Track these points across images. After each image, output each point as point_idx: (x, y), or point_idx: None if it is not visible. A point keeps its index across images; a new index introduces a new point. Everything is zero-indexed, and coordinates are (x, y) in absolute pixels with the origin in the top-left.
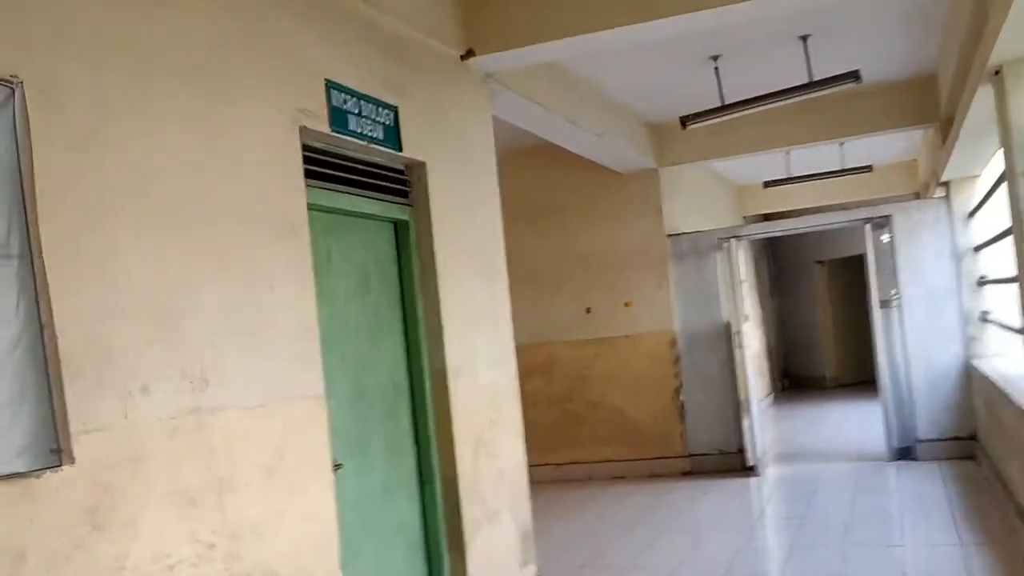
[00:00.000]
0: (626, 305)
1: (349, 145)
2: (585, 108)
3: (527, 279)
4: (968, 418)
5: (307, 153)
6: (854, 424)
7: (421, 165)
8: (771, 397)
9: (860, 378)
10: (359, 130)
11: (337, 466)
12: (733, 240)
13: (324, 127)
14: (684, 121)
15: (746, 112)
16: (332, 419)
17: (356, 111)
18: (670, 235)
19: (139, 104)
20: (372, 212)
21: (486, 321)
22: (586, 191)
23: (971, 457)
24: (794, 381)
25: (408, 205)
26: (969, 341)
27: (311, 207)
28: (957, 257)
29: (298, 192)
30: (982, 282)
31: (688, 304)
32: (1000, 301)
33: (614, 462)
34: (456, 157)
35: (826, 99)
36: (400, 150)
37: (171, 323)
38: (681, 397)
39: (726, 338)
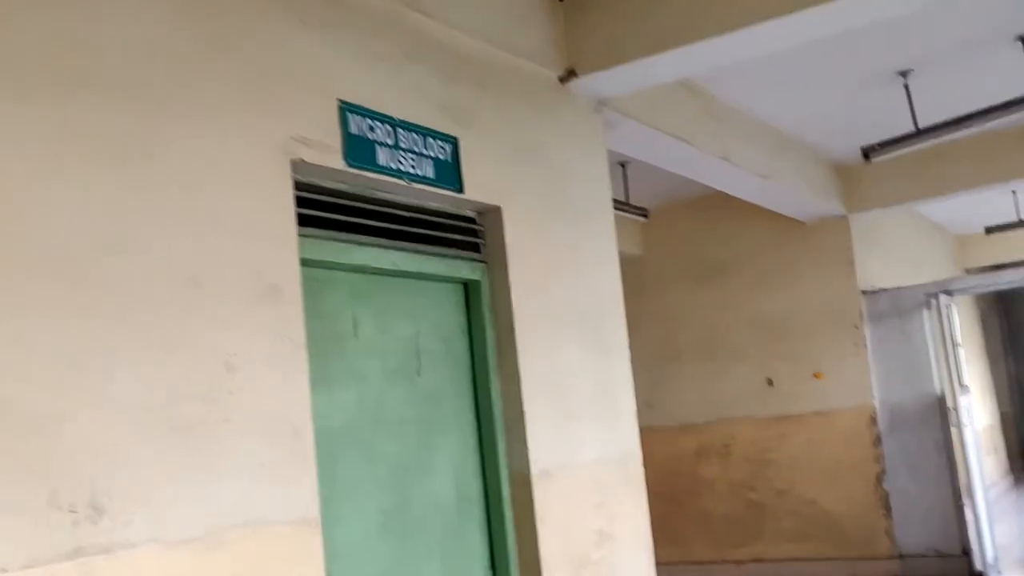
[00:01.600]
0: (815, 376)
1: (383, 185)
2: (743, 143)
3: (697, 348)
4: None
5: (306, 194)
6: None
7: (495, 211)
8: (1011, 479)
9: None
10: (394, 166)
11: None
12: (944, 295)
13: (336, 161)
14: (867, 153)
15: (947, 138)
16: (347, 549)
17: (389, 142)
18: (865, 292)
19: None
20: (426, 271)
21: (595, 405)
22: (764, 245)
23: None
24: None
25: (481, 262)
26: None
27: (323, 264)
28: None
29: (284, 243)
30: None
31: (890, 374)
32: None
33: (805, 561)
34: (550, 202)
35: None
36: (461, 191)
37: (39, 423)
38: (885, 485)
39: (939, 414)
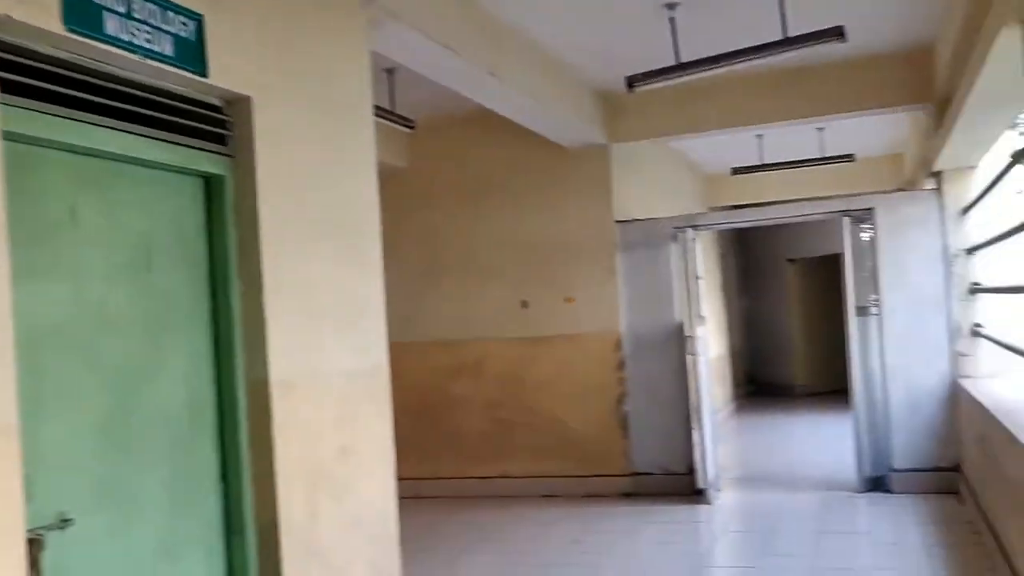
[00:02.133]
0: (567, 301)
1: (112, 58)
2: (514, 62)
3: (457, 266)
4: (952, 447)
5: (13, 57)
6: (823, 441)
7: (244, 101)
8: (733, 405)
9: (832, 387)
10: (125, 37)
11: (63, 523)
12: (691, 230)
13: (52, 23)
14: (631, 82)
15: (707, 73)
16: (58, 460)
17: (121, 9)
18: (619, 221)
19: None
20: (162, 160)
21: (343, 317)
22: (527, 168)
23: (953, 492)
24: (760, 388)
25: (226, 155)
26: (957, 358)
27: (33, 140)
28: (948, 260)
29: None
30: (975, 290)
31: (637, 302)
32: (996, 313)
33: (548, 478)
34: (306, 98)
35: (804, 72)
36: (205, 75)
37: None
38: (625, 407)
39: (678, 342)
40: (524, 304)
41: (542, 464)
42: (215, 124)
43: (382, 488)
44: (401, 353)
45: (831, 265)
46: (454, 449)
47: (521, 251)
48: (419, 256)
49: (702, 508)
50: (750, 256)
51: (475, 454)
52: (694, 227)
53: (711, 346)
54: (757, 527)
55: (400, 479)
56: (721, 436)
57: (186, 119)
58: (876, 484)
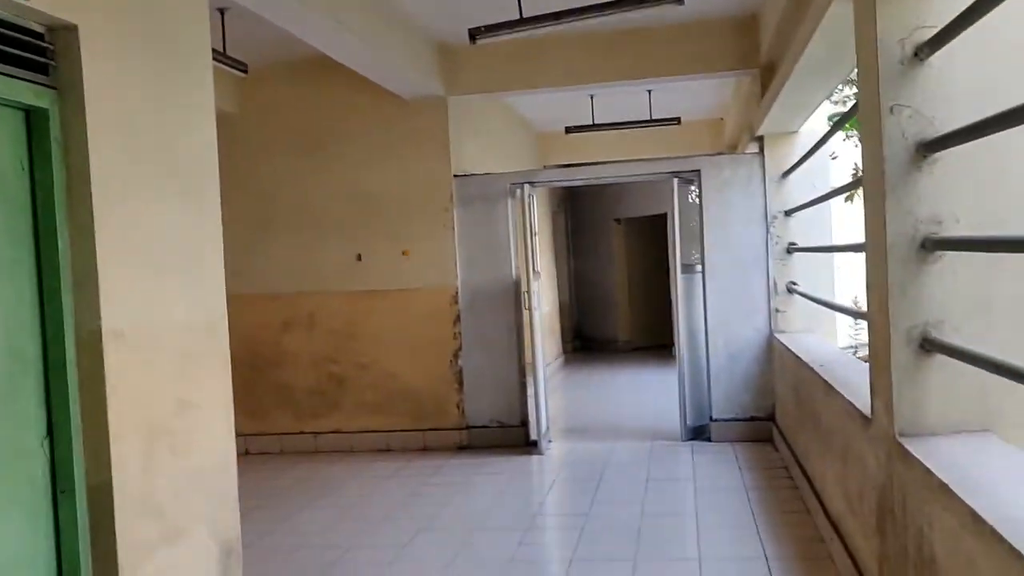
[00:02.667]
0: (403, 254)
1: None
2: (354, 7)
3: (291, 218)
4: (767, 398)
5: None
6: (648, 393)
7: (71, 30)
8: (561, 359)
9: (654, 342)
10: None
11: None
12: (527, 186)
13: None
14: (474, 34)
15: (548, 29)
16: None
17: None
18: (457, 176)
19: None
20: None
21: (181, 266)
22: (366, 118)
23: (767, 440)
24: (586, 343)
25: (50, 87)
26: (774, 314)
27: None
28: (767, 221)
29: None
30: (792, 250)
31: (474, 256)
32: (810, 272)
33: (382, 432)
34: (140, 32)
35: (637, 35)
36: None
37: None
38: (460, 361)
39: (514, 297)
40: (359, 257)
41: (377, 419)
42: (37, 52)
43: (222, 444)
44: (232, 306)
45: (656, 225)
46: (286, 404)
47: (357, 204)
48: (250, 207)
49: (535, 458)
50: (579, 216)
51: (308, 409)
52: (531, 183)
53: (543, 302)
54: (588, 476)
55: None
56: (550, 389)
57: (3, 45)
58: (697, 433)
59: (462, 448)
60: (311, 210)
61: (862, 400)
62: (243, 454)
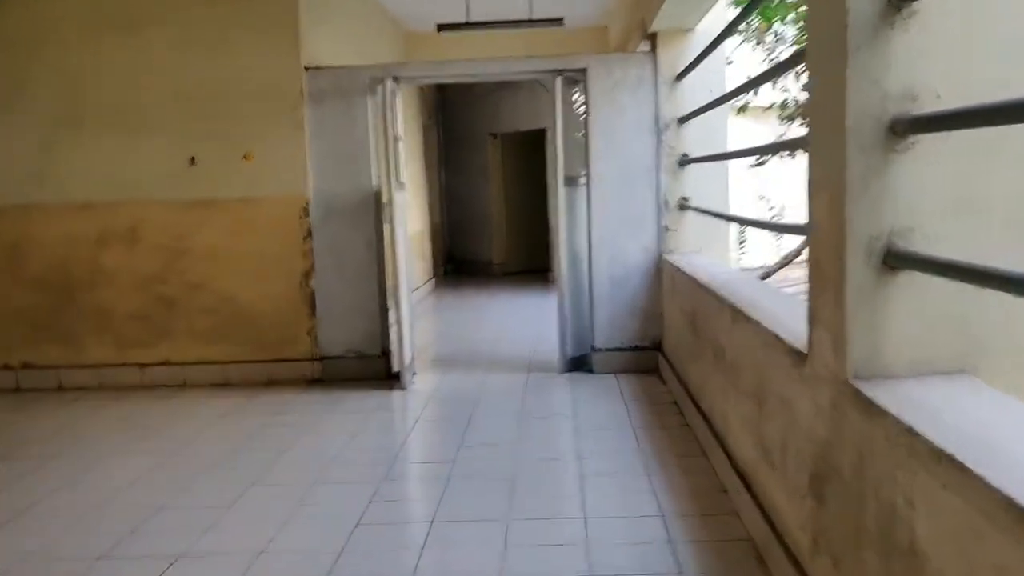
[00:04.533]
0: (245, 158)
1: None
2: None
3: (107, 115)
4: (654, 325)
5: None
6: (524, 321)
7: None
8: (431, 284)
9: (530, 266)
10: None
11: None
12: (390, 81)
13: None
14: None
15: None
16: None
17: None
18: (309, 69)
19: None
20: None
21: None
22: (198, 1)
23: (654, 371)
24: (459, 266)
25: None
26: (664, 232)
27: None
28: (659, 128)
29: None
30: (685, 162)
31: (328, 163)
32: (703, 188)
33: (220, 364)
34: None
35: None
36: None
37: None
38: (312, 283)
39: (374, 210)
40: (192, 161)
41: (213, 349)
42: None
43: None
44: (32, 217)
45: (535, 141)
46: (104, 332)
47: (190, 98)
48: (54, 101)
49: (397, 394)
50: (452, 130)
51: (131, 338)
52: (395, 78)
53: (412, 221)
54: (456, 415)
55: (36, 367)
56: (418, 315)
57: None
58: (578, 364)
59: (314, 382)
60: (132, 105)
61: (789, 331)
62: (51, 389)
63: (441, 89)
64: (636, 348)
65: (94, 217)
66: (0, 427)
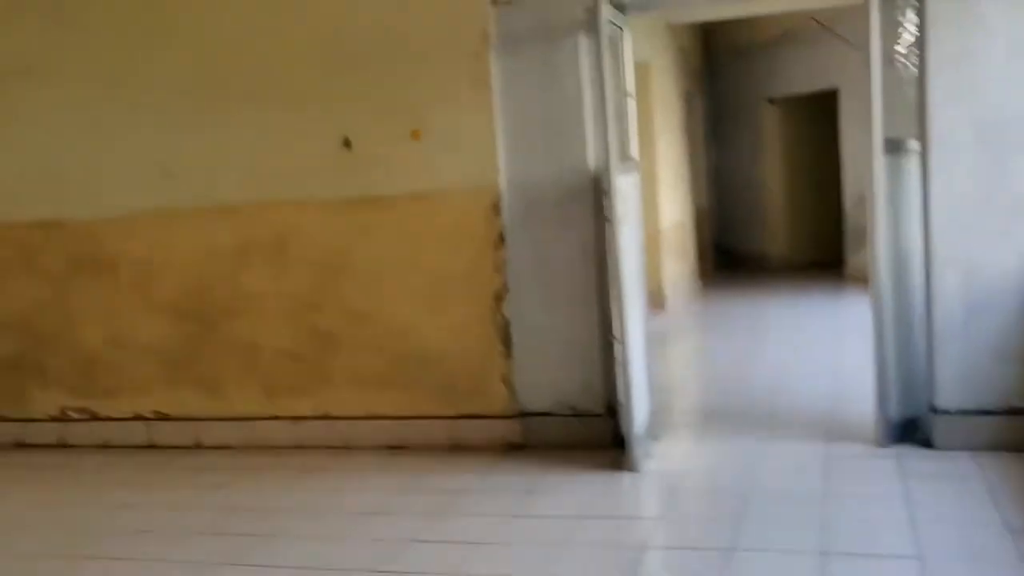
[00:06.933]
0: (412, 136)
1: None
2: None
3: (242, 85)
4: None
5: None
6: (811, 342)
7: None
8: (693, 288)
9: (816, 259)
10: None
11: None
12: (609, 8)
13: None
14: None
15: None
16: None
17: None
18: (496, 1)
19: None
20: None
21: None
22: None
23: None
24: (726, 259)
25: None
26: None
27: None
28: None
29: None
30: None
31: (524, 136)
32: None
33: (391, 420)
34: None
35: None
36: None
37: None
38: (505, 309)
39: (593, 202)
40: (347, 143)
41: (382, 399)
42: None
43: None
44: (163, 225)
45: (820, 106)
46: (249, 374)
47: (339, 56)
48: (188, 71)
49: (625, 479)
50: (721, 96)
51: (281, 383)
52: (620, 7)
53: (667, 211)
54: (710, 534)
55: (171, 418)
56: (669, 338)
57: None
58: (908, 432)
59: (513, 447)
60: (270, 71)
61: None
62: (194, 446)
63: (707, 49)
64: (1008, 412)
65: (233, 224)
66: (135, 499)
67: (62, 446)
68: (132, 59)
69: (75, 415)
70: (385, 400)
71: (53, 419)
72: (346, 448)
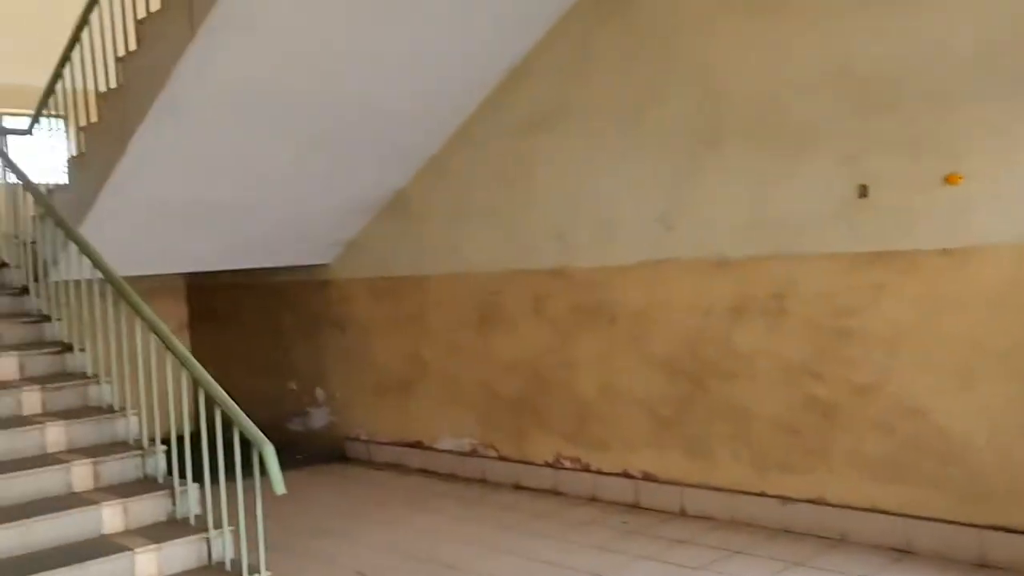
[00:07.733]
0: (948, 181)
1: None
2: None
3: (745, 127)
4: None
5: None
6: None
7: None
8: None
9: None
10: None
11: None
12: None
13: None
14: None
15: None
16: None
17: None
18: None
19: None
20: None
21: None
22: None
23: None
24: None
25: None
26: None
27: None
28: None
29: None
30: None
31: None
32: None
33: (897, 517)
34: None
35: None
36: None
37: None
38: None
39: None
40: (862, 191)
41: (886, 491)
42: None
43: None
44: (659, 277)
45: None
46: (739, 442)
47: (852, 91)
48: (691, 111)
49: None
50: None
51: (772, 456)
52: None
53: None
54: None
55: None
56: None
57: None
58: None
59: None
60: (774, 111)
61: None
62: (678, 513)
63: None
64: None
65: (729, 278)
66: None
67: (555, 492)
68: (640, 103)
69: (568, 464)
70: (891, 491)
71: (547, 464)
72: (842, 541)
